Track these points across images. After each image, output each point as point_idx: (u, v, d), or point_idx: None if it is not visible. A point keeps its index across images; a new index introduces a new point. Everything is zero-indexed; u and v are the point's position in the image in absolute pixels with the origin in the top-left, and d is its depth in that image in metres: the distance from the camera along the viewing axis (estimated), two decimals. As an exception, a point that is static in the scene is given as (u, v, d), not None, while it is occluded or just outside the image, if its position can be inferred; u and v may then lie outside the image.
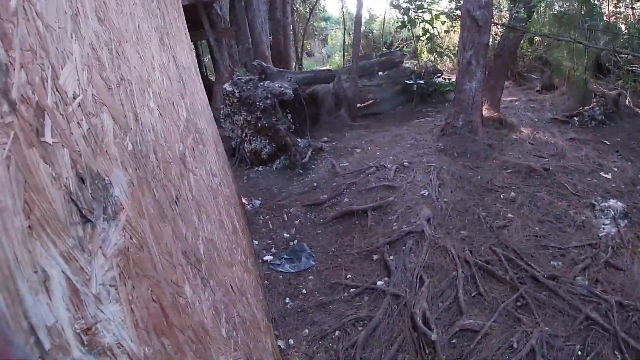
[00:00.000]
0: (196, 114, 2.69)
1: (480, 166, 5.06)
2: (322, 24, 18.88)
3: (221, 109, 6.55)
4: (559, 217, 4.19)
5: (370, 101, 8.26)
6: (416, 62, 9.84)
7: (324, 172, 5.39)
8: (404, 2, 8.05)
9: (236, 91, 5.81)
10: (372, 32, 17.44)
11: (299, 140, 5.81)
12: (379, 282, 3.38)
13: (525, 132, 6.40)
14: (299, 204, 4.67)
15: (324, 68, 6.83)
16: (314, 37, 18.39)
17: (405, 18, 8.09)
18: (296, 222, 4.37)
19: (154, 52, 1.70)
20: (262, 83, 5.78)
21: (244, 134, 6.14)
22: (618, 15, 8.26)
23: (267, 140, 5.82)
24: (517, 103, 8.15)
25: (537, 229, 3.94)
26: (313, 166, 5.64)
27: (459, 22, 6.28)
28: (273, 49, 12.64)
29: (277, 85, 5.60)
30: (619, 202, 4.48)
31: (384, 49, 15.14)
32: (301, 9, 15.99)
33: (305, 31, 15.50)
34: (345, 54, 17.88)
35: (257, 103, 5.56)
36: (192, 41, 12.80)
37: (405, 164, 4.97)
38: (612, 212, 4.35)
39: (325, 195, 4.65)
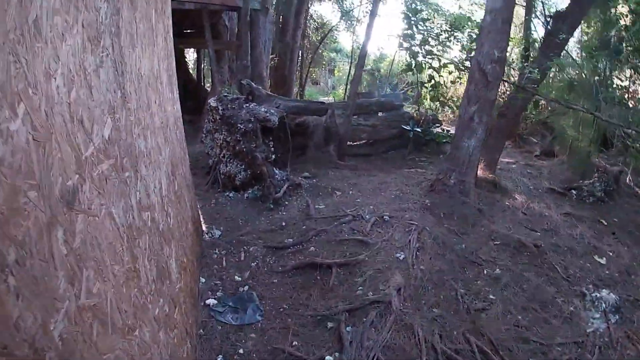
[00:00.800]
0: (141, 131, 2.22)
1: (467, 233, 4.60)
2: (332, 54, 18.83)
3: (204, 123, 6.14)
4: (546, 305, 3.71)
5: (363, 141, 7.89)
6: (417, 108, 9.55)
7: (296, 211, 4.91)
8: (414, 45, 7.82)
9: (220, 108, 5.39)
10: (379, 71, 17.30)
11: (276, 172, 5.35)
12: (327, 358, 2.85)
13: (519, 199, 5.99)
14: (261, 243, 4.16)
15: (317, 100, 6.36)
16: (321, 67, 18.26)
17: (413, 61, 7.85)
18: (253, 264, 3.86)
19: (59, 53, 1.23)
20: (248, 104, 5.37)
21: (221, 154, 5.69)
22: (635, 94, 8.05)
23: (243, 166, 5.36)
24: (514, 166, 7.79)
25: (519, 317, 3.45)
26: (286, 202, 5.16)
27: (467, 74, 6.00)
28: (277, 70, 12.41)
29: (262, 110, 5.18)
30: (611, 294, 4.03)
31: (388, 90, 14.98)
32: (313, 36, 15.90)
33: (312, 59, 15.37)
34: (348, 87, 17.79)
35: (239, 125, 5.13)
36: (191, 48, 12.59)
37: (385, 217, 4.51)
38: (603, 305, 3.90)
39: (291, 240, 4.16)
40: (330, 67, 19.09)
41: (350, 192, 5.60)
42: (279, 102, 5.59)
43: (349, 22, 16.15)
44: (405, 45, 7.90)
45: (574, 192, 6.35)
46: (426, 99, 14.19)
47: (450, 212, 5.00)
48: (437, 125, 8.79)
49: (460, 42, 7.99)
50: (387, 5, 22.39)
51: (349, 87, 18.05)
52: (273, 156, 5.45)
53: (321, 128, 6.54)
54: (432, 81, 8.16)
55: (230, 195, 5.50)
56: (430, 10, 9.23)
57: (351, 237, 4.11)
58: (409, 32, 7.71)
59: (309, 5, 14.50)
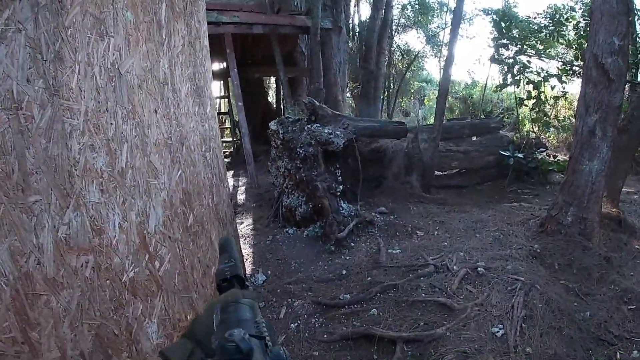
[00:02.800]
0: (104, 143, 1.57)
1: (591, 292, 3.22)
2: (421, 84, 17.76)
3: (270, 150, 5.58)
4: None
5: (454, 170, 6.69)
6: (516, 131, 8.00)
7: (363, 255, 3.94)
8: (507, 58, 6.56)
9: (280, 131, 4.74)
10: (471, 97, 15.79)
11: (343, 205, 4.47)
12: None
13: None
14: (310, 296, 3.26)
15: (396, 120, 5.39)
16: (410, 96, 17.25)
17: (509, 77, 6.55)
18: (292, 325, 2.95)
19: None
20: (310, 126, 4.64)
21: (284, 184, 5.00)
22: None
23: (304, 198, 4.58)
24: (635, 196, 5.96)
25: None
26: (352, 244, 4.23)
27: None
28: (361, 98, 11.77)
29: (326, 131, 4.40)
30: None
31: (482, 116, 13.44)
32: (399, 64, 15.08)
33: (399, 87, 14.49)
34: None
35: (298, 149, 4.40)
36: (266, 76, 12.49)
37: (479, 268, 3.35)
38: None
39: (349, 295, 3.19)
40: (420, 96, 17.96)
41: (436, 232, 4.48)
42: (347, 122, 4.75)
43: (436, 47, 15.08)
44: (497, 55, 6.68)
45: None
46: (526, 121, 12.40)
47: (568, 261, 3.69)
48: (542, 150, 7.23)
49: (565, 38, 6.51)
50: (474, 26, 20.93)
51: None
52: (340, 187, 4.59)
53: (401, 154, 5.53)
54: (534, 99, 6.72)
55: (290, 231, 4.74)
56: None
57: (430, 297, 3.01)
58: (501, 40, 6.49)
59: (393, 33, 13.78)
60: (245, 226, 5.26)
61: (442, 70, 7.65)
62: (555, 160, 6.89)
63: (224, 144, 11.35)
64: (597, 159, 3.75)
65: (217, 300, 0.66)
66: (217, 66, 10.62)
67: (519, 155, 6.57)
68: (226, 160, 9.77)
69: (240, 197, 6.67)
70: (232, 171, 9.00)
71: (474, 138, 7.03)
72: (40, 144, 1.24)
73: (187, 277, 2.34)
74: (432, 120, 17.34)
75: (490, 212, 5.02)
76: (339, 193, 4.43)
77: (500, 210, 5.09)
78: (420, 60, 15.88)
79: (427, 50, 15.33)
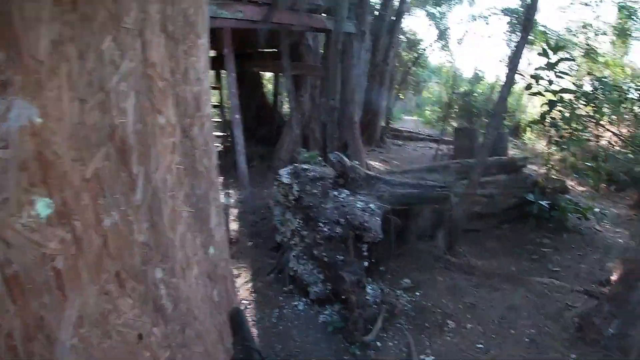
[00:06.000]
0: None
1: None
2: (424, 74, 16.80)
3: (274, 187, 4.77)
4: None
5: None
6: (540, 168, 7.36)
7: (392, 363, 3.34)
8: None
9: (296, 188, 3.93)
10: (473, 94, 14.84)
11: (369, 289, 3.78)
12: None
13: None
14: None
15: (436, 183, 4.58)
16: (410, 87, 16.36)
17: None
18: None
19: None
20: (337, 192, 3.83)
21: (292, 241, 4.24)
22: None
23: (321, 275, 3.85)
24: None
25: None
26: (378, 342, 3.58)
27: None
28: (365, 94, 10.84)
29: (359, 207, 3.62)
30: None
31: (485, 119, 12.70)
32: (405, 55, 14.05)
33: (403, 79, 13.56)
34: (438, 109, 15.60)
35: (321, 224, 3.62)
36: (268, 72, 11.29)
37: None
38: None
39: None
40: (420, 87, 17.06)
41: (469, 325, 3.90)
42: (382, 190, 3.94)
43: (445, 40, 14.08)
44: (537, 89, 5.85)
45: None
46: (527, 129, 11.85)
47: None
48: (565, 194, 6.73)
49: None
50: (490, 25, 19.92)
51: (437, 109, 16.04)
52: (366, 263, 3.86)
53: (429, 210, 4.81)
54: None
55: (300, 307, 4.04)
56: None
57: None
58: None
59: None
60: (243, 283, 4.51)
61: (492, 94, 6.58)
62: (577, 206, 6.35)
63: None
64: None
65: None
66: (210, 53, 9.41)
67: (543, 203, 6.01)
68: (214, 162, 8.76)
69: (233, 226, 5.83)
70: (222, 178, 8.05)
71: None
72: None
73: None
74: (427, 113, 16.65)
75: (523, 293, 4.47)
76: (367, 284, 3.70)
77: (532, 289, 4.53)
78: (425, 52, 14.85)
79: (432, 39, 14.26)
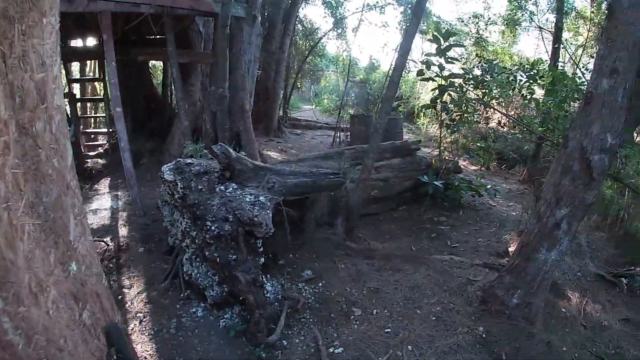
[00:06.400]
0: None
1: None
2: (321, 63, 16.89)
3: (160, 189, 4.33)
4: None
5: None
6: (433, 150, 7.78)
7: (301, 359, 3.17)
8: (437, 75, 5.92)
9: (180, 185, 3.52)
10: (370, 82, 15.35)
11: (267, 287, 3.55)
12: None
13: (573, 299, 4.42)
14: None
15: (329, 170, 4.49)
16: (308, 76, 16.35)
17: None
18: None
19: None
20: (224, 187, 3.52)
21: (184, 243, 3.85)
22: None
23: (216, 277, 3.53)
24: None
25: None
26: (284, 341, 3.38)
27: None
28: (260, 84, 10.48)
29: (248, 200, 3.34)
30: None
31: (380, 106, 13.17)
32: (300, 43, 13.95)
33: (300, 68, 13.47)
34: (334, 98, 15.90)
35: (208, 223, 3.28)
36: (155, 61, 10.40)
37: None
38: None
39: None
40: (317, 76, 17.16)
41: (375, 310, 3.85)
42: (273, 181, 3.70)
43: (341, 29, 14.32)
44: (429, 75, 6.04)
45: (624, 280, 4.86)
46: (422, 115, 12.58)
47: (515, 350, 3.42)
48: (458, 174, 7.16)
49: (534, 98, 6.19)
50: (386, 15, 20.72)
51: (334, 97, 16.30)
52: (262, 259, 3.62)
53: (325, 198, 4.72)
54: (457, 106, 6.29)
55: (199, 313, 3.68)
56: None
57: None
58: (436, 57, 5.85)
59: (299, 9, 12.57)
60: (136, 293, 4.00)
61: (386, 82, 6.46)
62: (471, 184, 6.77)
63: (98, 138, 9.16)
64: (556, 251, 3.47)
65: None
66: (91, 41, 8.31)
67: (438, 183, 6.31)
68: (100, 161, 7.82)
69: (122, 231, 5.20)
70: (109, 179, 7.20)
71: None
72: None
73: None
74: (326, 101, 16.81)
75: (423, 270, 4.58)
76: (265, 283, 3.47)
77: (433, 267, 4.65)
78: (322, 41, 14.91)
79: (333, 32, 14.40)
